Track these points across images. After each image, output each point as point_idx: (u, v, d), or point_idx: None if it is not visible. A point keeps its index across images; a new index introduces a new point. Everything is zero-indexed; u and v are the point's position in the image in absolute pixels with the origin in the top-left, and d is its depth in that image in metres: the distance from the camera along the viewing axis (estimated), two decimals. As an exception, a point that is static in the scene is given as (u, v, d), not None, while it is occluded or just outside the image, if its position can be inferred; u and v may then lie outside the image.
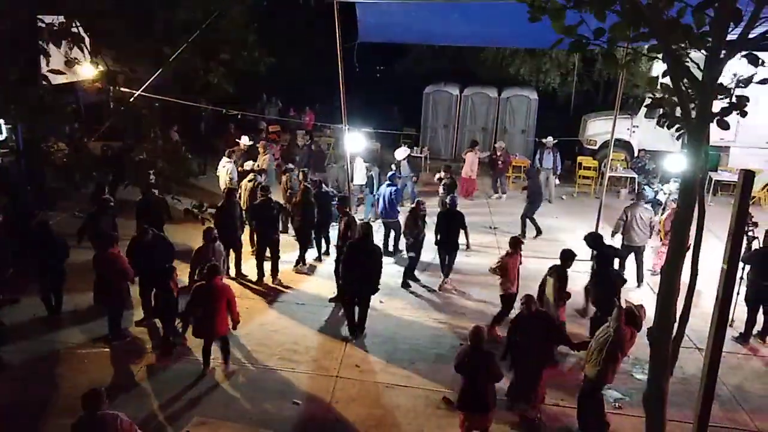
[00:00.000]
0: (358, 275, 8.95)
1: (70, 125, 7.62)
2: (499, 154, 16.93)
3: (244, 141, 15.33)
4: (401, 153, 15.39)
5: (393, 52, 23.77)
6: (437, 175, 14.25)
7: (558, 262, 8.63)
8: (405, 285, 10.97)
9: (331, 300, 10.29)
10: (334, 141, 19.46)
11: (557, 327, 7.79)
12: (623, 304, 7.22)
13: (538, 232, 13.67)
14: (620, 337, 6.78)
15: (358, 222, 9.98)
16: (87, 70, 6.20)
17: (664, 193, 13.43)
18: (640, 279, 11.27)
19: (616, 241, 10.92)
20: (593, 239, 9.32)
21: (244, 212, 11.40)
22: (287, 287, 10.89)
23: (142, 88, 6.62)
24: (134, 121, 6.21)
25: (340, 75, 11.20)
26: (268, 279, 11.04)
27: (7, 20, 5.44)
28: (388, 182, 12.38)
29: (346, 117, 11.73)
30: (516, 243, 9.34)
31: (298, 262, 11.72)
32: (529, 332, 7.19)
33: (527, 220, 13.61)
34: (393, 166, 14.60)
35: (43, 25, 5.71)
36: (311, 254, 12.08)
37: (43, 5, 5.83)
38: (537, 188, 13.92)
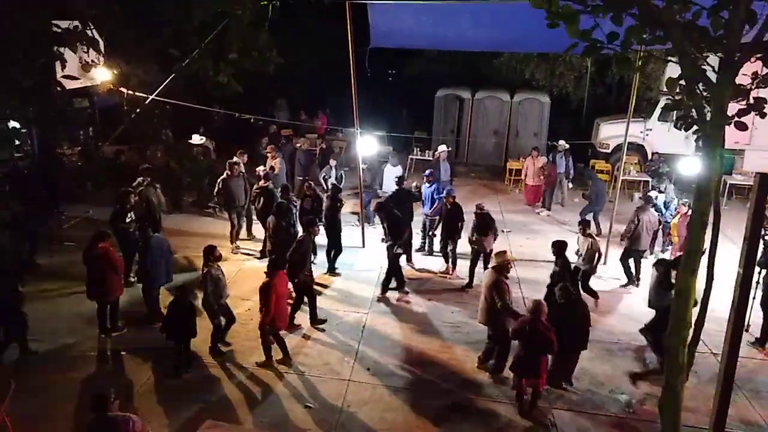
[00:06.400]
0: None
1: (85, 130, 7.70)
2: (543, 167, 15.81)
3: (195, 140, 14.77)
4: (444, 148, 15.29)
5: (405, 55, 23.77)
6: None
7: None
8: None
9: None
10: (346, 144, 19.52)
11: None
12: None
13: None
14: None
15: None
16: (101, 74, 6.25)
17: (672, 197, 13.20)
18: (638, 279, 11.28)
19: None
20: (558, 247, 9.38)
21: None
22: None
23: (156, 92, 6.67)
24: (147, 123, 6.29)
25: (353, 79, 11.22)
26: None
27: (20, 28, 5.51)
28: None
29: (358, 120, 11.75)
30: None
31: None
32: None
33: (596, 220, 13.66)
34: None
35: (59, 30, 5.77)
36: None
37: (55, 11, 5.89)
38: (599, 190, 13.88)
